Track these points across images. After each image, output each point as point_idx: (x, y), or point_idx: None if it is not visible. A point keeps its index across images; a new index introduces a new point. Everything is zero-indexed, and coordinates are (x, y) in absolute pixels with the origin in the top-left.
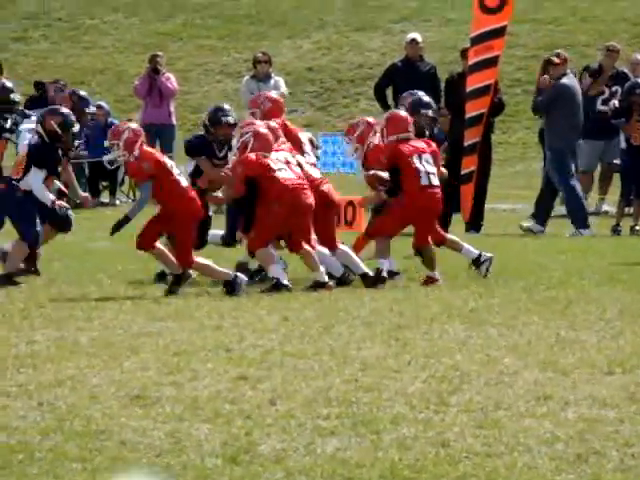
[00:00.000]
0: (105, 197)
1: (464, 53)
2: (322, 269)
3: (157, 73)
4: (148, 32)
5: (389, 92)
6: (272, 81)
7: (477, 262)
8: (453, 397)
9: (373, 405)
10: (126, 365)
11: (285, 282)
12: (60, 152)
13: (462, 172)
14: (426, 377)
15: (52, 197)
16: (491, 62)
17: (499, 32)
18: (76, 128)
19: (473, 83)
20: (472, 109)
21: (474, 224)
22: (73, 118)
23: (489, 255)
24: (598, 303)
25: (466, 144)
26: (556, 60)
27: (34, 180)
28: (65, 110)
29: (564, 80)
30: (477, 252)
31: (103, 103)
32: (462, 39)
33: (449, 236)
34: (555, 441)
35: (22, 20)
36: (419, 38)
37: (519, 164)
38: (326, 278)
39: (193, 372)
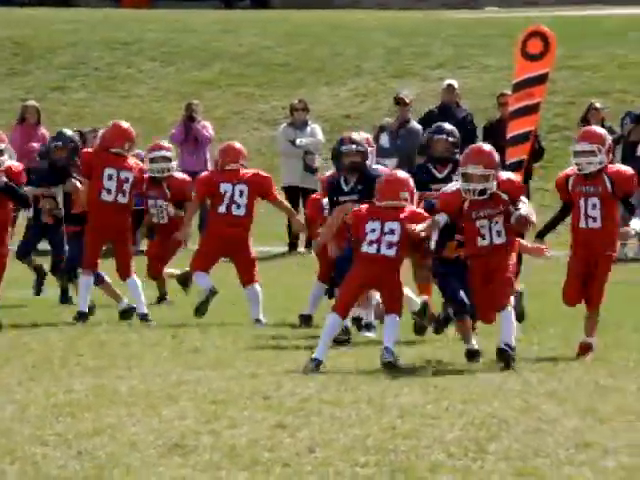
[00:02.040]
0: (144, 245)
1: (501, 99)
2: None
3: (192, 121)
4: (185, 80)
5: None
6: (309, 128)
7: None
8: (491, 445)
9: (411, 453)
10: (165, 413)
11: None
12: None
13: None
14: (464, 424)
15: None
16: (532, 109)
17: (541, 79)
18: None
19: (514, 129)
20: (513, 155)
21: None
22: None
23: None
24: (636, 350)
25: None
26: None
27: None
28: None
29: None
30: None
31: (140, 152)
32: (499, 86)
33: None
34: None
35: (59, 70)
36: (455, 84)
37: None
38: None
39: (231, 420)
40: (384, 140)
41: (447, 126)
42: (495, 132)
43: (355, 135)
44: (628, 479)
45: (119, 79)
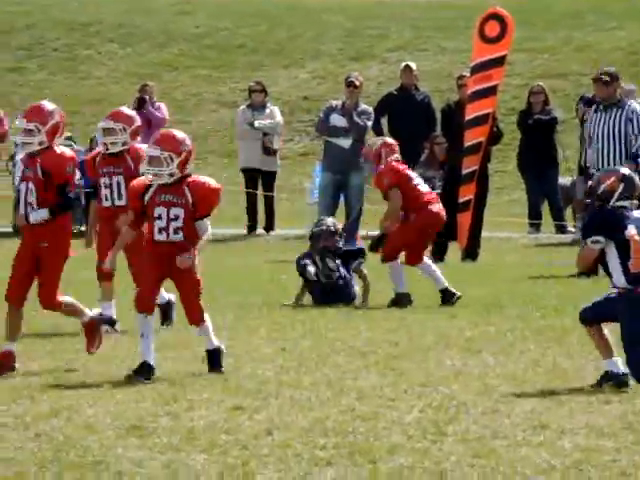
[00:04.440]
0: None
1: (459, 81)
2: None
3: (143, 102)
4: (143, 62)
5: (384, 120)
6: (267, 110)
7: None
8: (450, 426)
9: (370, 435)
10: (121, 397)
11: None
12: None
13: (459, 200)
14: (423, 406)
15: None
16: (490, 91)
17: (499, 61)
18: None
19: (472, 111)
20: (471, 137)
21: (471, 252)
22: None
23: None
24: None
25: (464, 172)
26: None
27: None
28: None
29: None
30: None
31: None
32: (458, 68)
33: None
34: (552, 471)
35: (17, 51)
36: (414, 66)
37: (515, 192)
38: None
39: (189, 402)
40: (336, 120)
41: None
42: (453, 114)
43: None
44: (585, 460)
45: (78, 60)
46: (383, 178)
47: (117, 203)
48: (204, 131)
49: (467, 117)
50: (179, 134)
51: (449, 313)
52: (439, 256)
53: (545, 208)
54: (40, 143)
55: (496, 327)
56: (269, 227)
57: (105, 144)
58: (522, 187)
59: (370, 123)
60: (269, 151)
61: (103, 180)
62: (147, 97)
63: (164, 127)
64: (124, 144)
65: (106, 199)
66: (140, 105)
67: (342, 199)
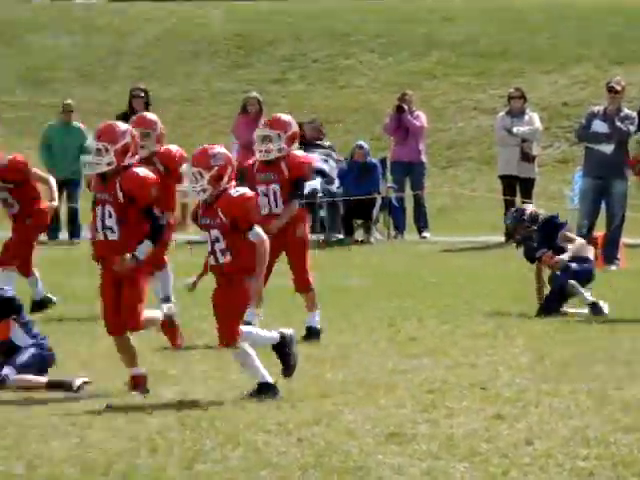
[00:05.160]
0: (359, 235)
1: None
2: None
3: (401, 111)
4: (402, 71)
5: None
6: (526, 117)
7: None
8: None
9: (634, 446)
10: (381, 402)
11: None
12: None
13: None
14: None
15: None
16: None
17: None
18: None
19: None
20: None
21: None
22: None
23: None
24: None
25: None
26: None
27: None
28: None
29: None
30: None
31: (363, 143)
32: None
33: None
34: None
35: (280, 62)
36: None
37: None
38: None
39: (448, 409)
40: (598, 126)
41: None
42: None
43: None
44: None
45: (338, 70)
46: None
47: (274, 211)
48: (463, 138)
49: None
50: (212, 149)
51: None
52: None
53: None
54: (109, 163)
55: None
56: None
57: (261, 151)
58: None
59: (633, 128)
60: (528, 157)
61: (260, 188)
62: (405, 106)
63: (422, 135)
64: (279, 151)
65: (264, 207)
66: (399, 112)
67: (603, 206)
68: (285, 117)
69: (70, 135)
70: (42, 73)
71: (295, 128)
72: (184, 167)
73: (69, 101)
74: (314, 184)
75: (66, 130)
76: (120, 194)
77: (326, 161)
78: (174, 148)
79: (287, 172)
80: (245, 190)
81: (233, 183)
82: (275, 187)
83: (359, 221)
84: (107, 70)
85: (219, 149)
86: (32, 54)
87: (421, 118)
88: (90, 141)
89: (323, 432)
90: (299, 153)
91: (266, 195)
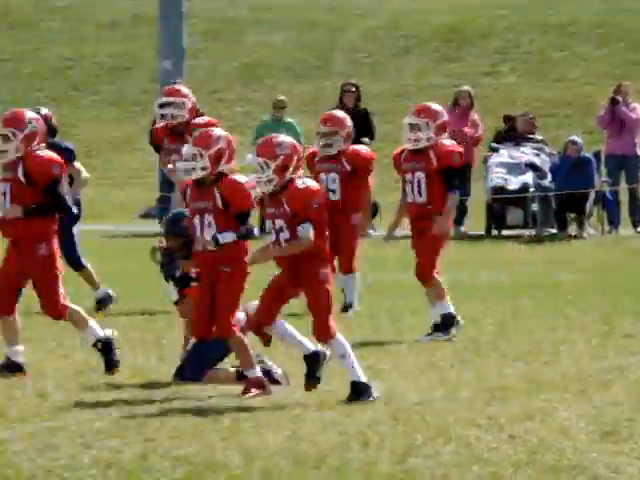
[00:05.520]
0: (573, 230)
1: None
2: None
3: (615, 103)
4: (618, 62)
5: None
6: None
7: None
8: None
9: None
10: (596, 399)
11: None
12: None
13: None
14: None
15: None
16: None
17: None
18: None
19: None
20: None
21: None
22: None
23: None
24: None
25: None
26: None
27: None
28: None
29: None
30: None
31: (576, 138)
32: None
33: None
34: None
35: (493, 55)
36: None
37: None
38: None
39: None
40: None
41: None
42: None
43: None
44: None
45: (551, 63)
46: None
47: (417, 200)
48: None
49: None
50: (277, 138)
51: None
52: None
53: None
54: (203, 168)
55: None
56: None
57: (410, 140)
58: None
59: None
60: None
61: (407, 176)
62: (620, 98)
63: (637, 127)
64: (428, 139)
65: (408, 195)
66: (613, 104)
67: None
68: (435, 106)
69: (282, 131)
70: (256, 70)
71: (445, 117)
72: (249, 157)
73: (281, 97)
74: (525, 178)
75: (278, 126)
76: (219, 202)
77: (538, 155)
78: (363, 149)
79: (435, 161)
80: (311, 182)
81: (300, 172)
82: (420, 175)
83: (572, 215)
84: (320, 66)
85: (284, 138)
86: (247, 51)
87: (637, 110)
88: (187, 148)
89: (536, 429)
90: (448, 142)
91: (411, 183)
